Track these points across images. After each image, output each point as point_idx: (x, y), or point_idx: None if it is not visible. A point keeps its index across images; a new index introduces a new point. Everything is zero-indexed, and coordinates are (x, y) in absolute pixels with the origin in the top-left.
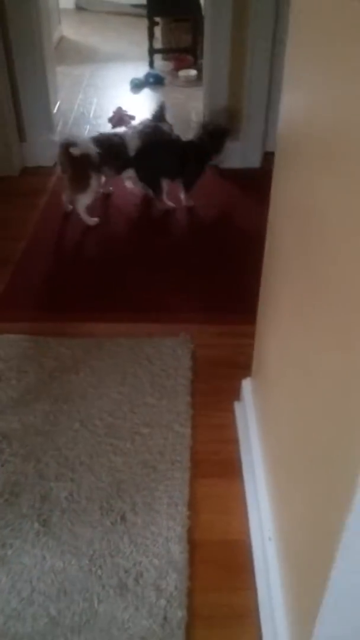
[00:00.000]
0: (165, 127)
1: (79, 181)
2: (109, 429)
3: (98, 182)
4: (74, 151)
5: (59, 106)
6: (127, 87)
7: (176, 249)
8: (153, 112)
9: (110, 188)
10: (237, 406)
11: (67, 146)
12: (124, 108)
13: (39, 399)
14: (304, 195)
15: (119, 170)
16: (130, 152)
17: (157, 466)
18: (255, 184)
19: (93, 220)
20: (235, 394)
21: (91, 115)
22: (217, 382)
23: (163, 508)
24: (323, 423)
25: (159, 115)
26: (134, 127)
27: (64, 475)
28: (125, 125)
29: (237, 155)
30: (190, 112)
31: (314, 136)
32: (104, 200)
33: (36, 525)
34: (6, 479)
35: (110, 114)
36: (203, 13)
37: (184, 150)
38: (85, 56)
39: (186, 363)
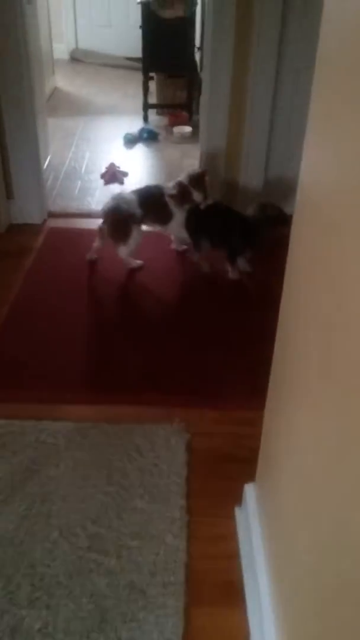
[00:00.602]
0: (194, 196)
1: (121, 235)
2: (93, 541)
3: (139, 233)
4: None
5: (49, 160)
6: (121, 141)
7: (171, 320)
8: (191, 174)
9: (95, 256)
10: (239, 513)
11: (114, 213)
12: (116, 164)
13: (12, 500)
14: (326, 286)
15: (162, 223)
16: (170, 207)
17: (146, 590)
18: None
19: (137, 263)
20: (236, 496)
21: (83, 170)
22: (215, 480)
23: None
24: (349, 548)
25: (196, 179)
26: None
27: (38, 601)
28: (118, 182)
29: None
30: (183, 171)
31: (344, 203)
32: (91, 267)
33: None
34: None
35: (103, 170)
36: (199, 70)
37: (239, 222)
38: (78, 108)
39: (181, 456)
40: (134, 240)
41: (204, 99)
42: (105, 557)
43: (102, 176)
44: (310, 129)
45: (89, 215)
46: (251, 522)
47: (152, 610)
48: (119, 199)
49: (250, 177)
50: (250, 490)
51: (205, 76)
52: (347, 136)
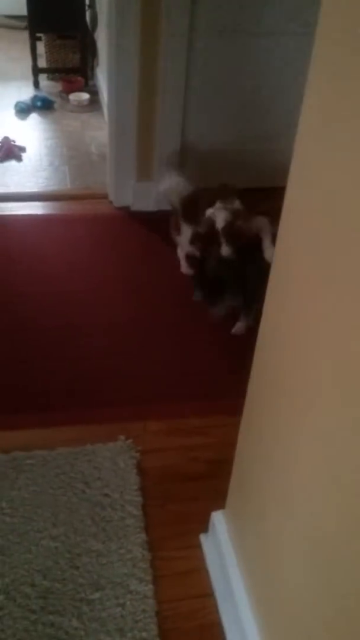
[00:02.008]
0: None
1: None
2: (46, 600)
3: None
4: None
5: None
6: (11, 111)
7: (96, 320)
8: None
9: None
10: (206, 542)
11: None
12: (10, 137)
13: None
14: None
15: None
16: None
17: None
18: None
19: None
20: (198, 520)
21: None
22: (172, 505)
23: None
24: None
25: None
26: None
27: None
28: (15, 159)
29: (151, 196)
30: (89, 144)
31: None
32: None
33: None
34: None
35: None
36: (90, 29)
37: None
38: None
39: (132, 481)
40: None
41: (110, 64)
42: (64, 618)
43: None
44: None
45: None
46: (225, 554)
47: None
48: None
49: (166, 147)
50: (219, 518)
51: (107, 38)
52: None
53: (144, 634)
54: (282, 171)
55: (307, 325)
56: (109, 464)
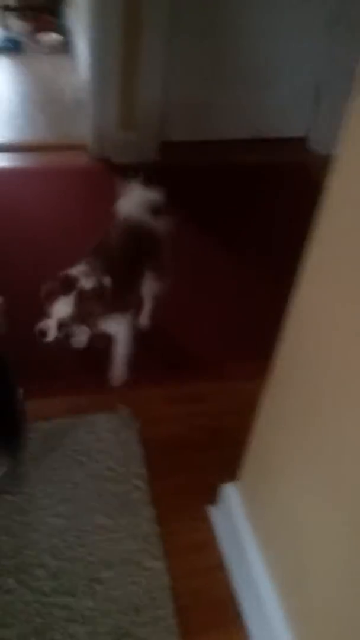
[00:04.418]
0: None
1: None
2: (57, 581)
3: None
4: None
5: None
6: None
7: None
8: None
9: None
10: (215, 514)
11: None
12: None
13: None
14: None
15: None
16: None
17: (135, 632)
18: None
19: None
20: (204, 491)
21: None
22: (178, 476)
23: None
24: None
25: None
26: None
27: None
28: None
29: (134, 148)
30: (64, 90)
31: None
32: None
33: None
34: None
35: None
36: None
37: None
38: None
39: (136, 453)
40: None
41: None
42: (77, 599)
43: None
44: None
45: None
46: (239, 527)
47: None
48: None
49: (151, 93)
50: (231, 490)
51: None
52: None
53: (160, 612)
54: (266, 121)
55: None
56: (110, 436)
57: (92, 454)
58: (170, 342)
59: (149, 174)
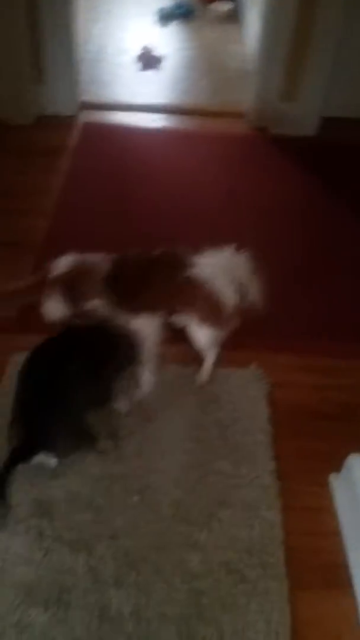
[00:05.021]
0: None
1: None
2: (177, 508)
3: None
4: None
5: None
6: (151, 18)
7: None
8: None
9: None
10: (337, 482)
11: None
12: (150, 46)
13: (81, 459)
14: None
15: None
16: None
17: (244, 571)
18: (313, 157)
19: None
20: (328, 460)
21: (111, 51)
22: (303, 440)
23: (259, 638)
24: None
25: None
26: None
27: (125, 578)
28: (151, 68)
29: (291, 119)
30: (228, 58)
31: None
32: (138, 171)
33: None
34: (52, 579)
35: (136, 52)
36: None
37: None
38: None
39: (263, 410)
40: None
41: None
42: (195, 528)
43: (139, 60)
44: None
45: (125, 107)
46: None
47: (254, 596)
48: None
49: (320, 61)
50: (357, 462)
51: None
52: None
53: (271, 560)
54: None
55: None
56: (240, 391)
57: (222, 404)
58: (315, 315)
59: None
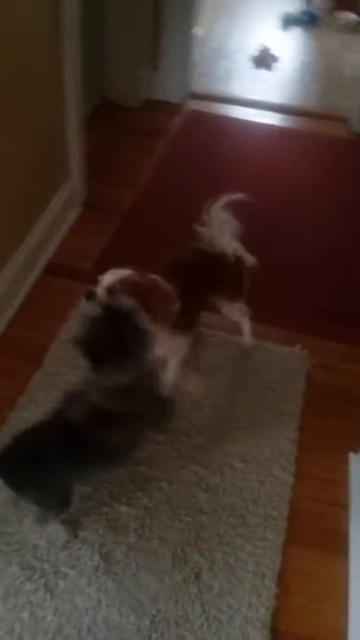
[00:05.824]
0: None
1: None
2: (197, 451)
3: None
4: None
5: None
6: (275, 21)
7: (317, 237)
8: None
9: None
10: (355, 461)
11: None
12: (268, 46)
13: None
14: None
15: None
16: None
17: (246, 517)
18: None
19: None
20: (352, 440)
21: (231, 48)
22: (331, 419)
23: (247, 576)
24: None
25: None
26: None
27: (137, 500)
28: (265, 67)
29: None
30: (344, 66)
31: None
32: (233, 162)
33: (97, 557)
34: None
35: (253, 52)
36: None
37: None
38: None
39: (299, 384)
40: None
41: None
42: (208, 472)
43: (255, 58)
44: None
45: (233, 101)
46: None
47: (250, 540)
48: None
49: None
50: None
51: None
52: None
53: (274, 513)
54: None
55: None
56: (281, 363)
57: (260, 373)
58: None
59: None
